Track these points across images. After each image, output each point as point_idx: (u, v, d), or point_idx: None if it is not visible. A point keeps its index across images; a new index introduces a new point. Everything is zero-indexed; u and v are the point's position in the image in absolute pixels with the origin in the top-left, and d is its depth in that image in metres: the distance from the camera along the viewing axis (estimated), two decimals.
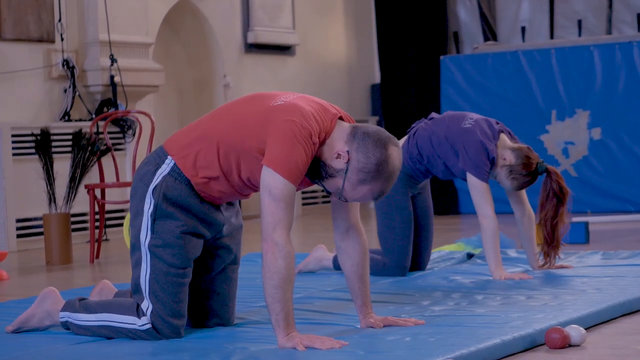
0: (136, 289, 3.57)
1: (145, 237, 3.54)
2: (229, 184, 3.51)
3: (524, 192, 4.99)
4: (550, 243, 4.88)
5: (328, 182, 3.41)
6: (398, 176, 4.92)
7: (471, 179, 4.81)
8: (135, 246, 3.57)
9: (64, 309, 3.72)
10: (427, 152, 4.96)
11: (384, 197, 4.96)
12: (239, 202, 3.84)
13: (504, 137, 4.85)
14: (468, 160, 4.80)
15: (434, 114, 5.07)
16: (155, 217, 3.52)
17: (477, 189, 4.80)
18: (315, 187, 6.79)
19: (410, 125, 5.14)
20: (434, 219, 5.28)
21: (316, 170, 3.41)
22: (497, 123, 4.90)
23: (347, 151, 3.35)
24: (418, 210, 5.19)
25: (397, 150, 3.37)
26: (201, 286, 3.71)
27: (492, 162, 4.80)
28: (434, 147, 4.93)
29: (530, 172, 4.77)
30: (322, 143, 3.38)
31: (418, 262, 5.22)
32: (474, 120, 4.87)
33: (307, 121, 3.33)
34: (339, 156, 3.36)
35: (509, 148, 4.80)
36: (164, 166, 3.55)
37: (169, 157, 3.55)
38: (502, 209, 5.61)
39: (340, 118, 3.47)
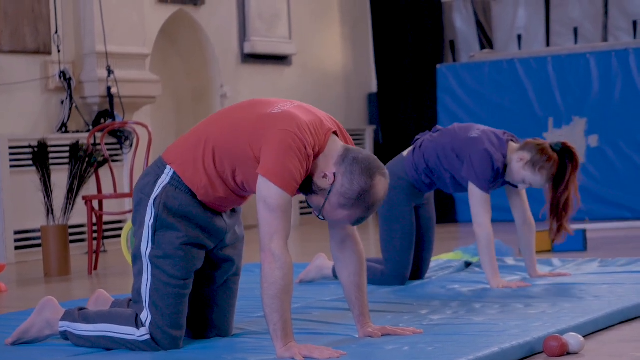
0: (137, 299, 3.58)
1: (146, 247, 3.55)
2: (227, 188, 3.51)
3: (525, 199, 5.01)
4: (561, 214, 4.82)
5: (311, 197, 3.42)
6: (402, 186, 4.95)
7: (472, 188, 4.82)
8: (137, 256, 3.58)
9: (63, 319, 3.72)
10: (433, 164, 4.95)
11: (387, 207, 4.98)
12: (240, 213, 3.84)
13: (512, 144, 4.86)
14: (472, 170, 4.80)
15: (439, 127, 5.07)
16: (156, 228, 3.53)
17: (476, 198, 4.81)
18: None
19: (411, 136, 5.12)
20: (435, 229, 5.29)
21: (304, 183, 3.41)
22: (505, 133, 4.92)
23: (334, 173, 3.35)
24: (421, 221, 5.19)
25: (383, 181, 3.35)
26: (202, 298, 3.71)
27: (498, 172, 4.80)
28: (441, 159, 4.92)
29: (549, 155, 4.73)
30: (316, 157, 3.38)
31: (417, 272, 5.23)
32: (481, 131, 4.89)
33: (303, 133, 3.33)
34: (325, 176, 3.36)
35: (519, 149, 4.80)
36: (163, 176, 3.55)
37: (167, 166, 3.56)
38: (502, 217, 5.60)
39: (335, 133, 3.46)
